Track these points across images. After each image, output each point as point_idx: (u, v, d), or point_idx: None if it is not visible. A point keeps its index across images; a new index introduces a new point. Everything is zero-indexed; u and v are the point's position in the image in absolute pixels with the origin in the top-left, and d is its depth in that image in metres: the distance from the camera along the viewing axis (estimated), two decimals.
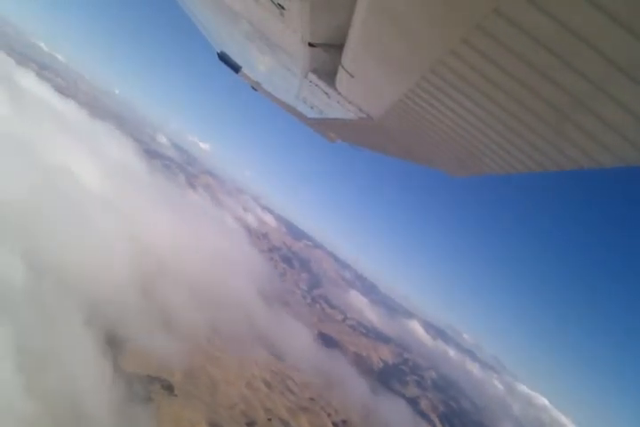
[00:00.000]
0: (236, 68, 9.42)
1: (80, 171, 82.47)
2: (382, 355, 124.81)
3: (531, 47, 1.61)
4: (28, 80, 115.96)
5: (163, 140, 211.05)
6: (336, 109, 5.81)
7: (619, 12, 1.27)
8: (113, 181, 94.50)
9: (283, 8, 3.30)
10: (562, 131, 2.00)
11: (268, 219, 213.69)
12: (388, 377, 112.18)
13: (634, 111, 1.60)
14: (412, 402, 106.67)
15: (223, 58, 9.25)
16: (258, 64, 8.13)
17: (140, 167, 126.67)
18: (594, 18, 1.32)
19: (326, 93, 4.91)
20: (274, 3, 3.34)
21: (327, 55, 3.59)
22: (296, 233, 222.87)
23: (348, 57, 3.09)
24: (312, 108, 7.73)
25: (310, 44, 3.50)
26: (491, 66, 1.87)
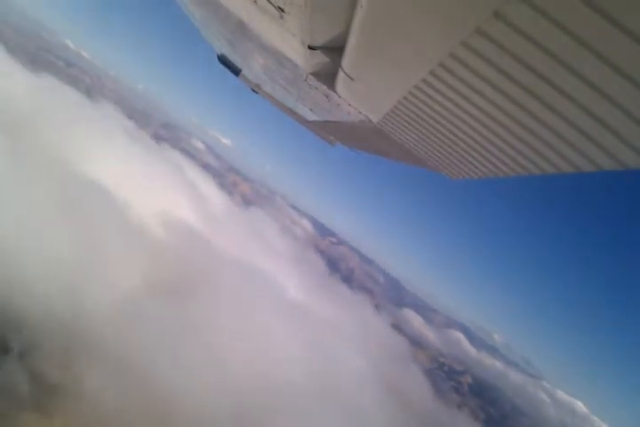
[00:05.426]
0: (236, 71, 9.46)
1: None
2: (419, 360, 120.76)
3: (531, 50, 1.62)
4: (194, 172, 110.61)
5: (199, 144, 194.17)
6: (336, 112, 5.83)
7: (619, 16, 1.27)
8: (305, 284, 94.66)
9: (283, 11, 3.31)
10: (562, 134, 2.00)
11: (305, 223, 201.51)
12: (429, 384, 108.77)
13: (634, 115, 1.60)
14: (457, 409, 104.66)
15: (223, 60, 9.29)
16: (258, 67, 8.15)
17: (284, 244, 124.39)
18: (594, 21, 1.32)
19: (326, 96, 4.92)
20: (274, 6, 3.35)
21: (327, 58, 3.60)
22: (321, 230, 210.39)
23: (347, 60, 3.09)
24: (312, 110, 7.76)
25: (310, 47, 3.51)
26: (490, 69, 1.87)
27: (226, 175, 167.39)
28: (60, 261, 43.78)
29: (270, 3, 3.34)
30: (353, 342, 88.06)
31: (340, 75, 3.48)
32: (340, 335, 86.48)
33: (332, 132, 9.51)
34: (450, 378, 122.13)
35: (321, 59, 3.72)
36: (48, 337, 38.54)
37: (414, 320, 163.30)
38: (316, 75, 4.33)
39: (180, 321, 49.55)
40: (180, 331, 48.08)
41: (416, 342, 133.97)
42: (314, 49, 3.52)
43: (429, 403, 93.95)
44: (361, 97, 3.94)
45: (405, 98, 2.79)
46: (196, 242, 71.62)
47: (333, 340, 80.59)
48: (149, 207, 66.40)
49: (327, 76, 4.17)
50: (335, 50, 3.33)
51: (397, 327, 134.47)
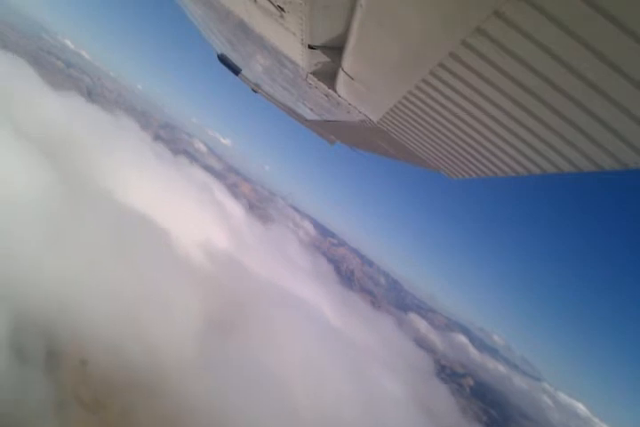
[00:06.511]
0: (236, 71, 9.46)
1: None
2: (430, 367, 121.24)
3: (530, 50, 1.61)
4: (223, 194, 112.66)
5: (200, 146, 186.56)
6: (336, 112, 5.82)
7: (619, 15, 1.27)
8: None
9: (283, 10, 3.30)
10: (562, 134, 2.00)
11: (307, 224, 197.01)
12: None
13: (634, 115, 1.60)
14: (462, 413, 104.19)
15: (223, 60, 9.28)
16: (258, 66, 8.15)
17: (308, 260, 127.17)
18: (594, 20, 1.32)
19: (326, 96, 4.92)
20: (274, 5, 3.34)
21: (327, 57, 3.59)
22: (322, 231, 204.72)
23: (347, 59, 3.09)
24: (312, 110, 7.76)
25: (310, 47, 3.51)
26: (490, 68, 1.87)
27: (227, 177, 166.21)
28: (123, 303, 44.06)
29: (270, 2, 3.34)
30: (384, 360, 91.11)
31: (340, 74, 3.47)
32: (372, 353, 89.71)
33: (332, 131, 9.52)
34: (452, 381, 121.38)
35: (321, 58, 3.71)
36: (129, 389, 38.73)
37: (420, 325, 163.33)
38: (316, 74, 4.32)
39: (244, 358, 50.75)
40: (248, 368, 49.20)
41: (425, 348, 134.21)
42: (314, 48, 3.51)
43: (456, 418, 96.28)
44: (361, 96, 3.94)
45: (405, 97, 2.78)
46: (232, 267, 73.96)
47: (368, 358, 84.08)
48: (188, 233, 67.67)
49: (327, 76, 4.16)
50: (335, 49, 3.33)
51: (418, 342, 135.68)
